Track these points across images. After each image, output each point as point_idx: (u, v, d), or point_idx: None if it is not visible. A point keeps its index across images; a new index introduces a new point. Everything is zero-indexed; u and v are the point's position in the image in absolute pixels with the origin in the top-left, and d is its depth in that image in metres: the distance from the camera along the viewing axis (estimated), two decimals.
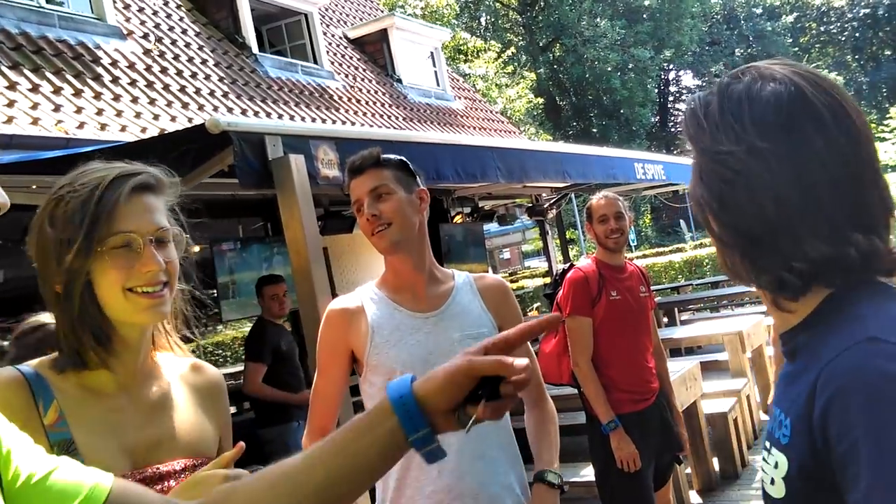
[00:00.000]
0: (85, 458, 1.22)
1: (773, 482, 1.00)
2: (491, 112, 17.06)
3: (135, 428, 1.38)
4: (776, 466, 0.99)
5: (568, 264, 4.01)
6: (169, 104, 8.15)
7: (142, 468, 1.35)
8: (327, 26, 13.84)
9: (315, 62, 11.95)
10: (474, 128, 14.68)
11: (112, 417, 1.36)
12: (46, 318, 2.52)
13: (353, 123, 11.06)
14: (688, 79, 48.64)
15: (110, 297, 1.32)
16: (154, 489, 1.31)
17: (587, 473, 4.71)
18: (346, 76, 12.58)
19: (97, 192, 1.32)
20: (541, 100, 29.25)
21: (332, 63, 12.52)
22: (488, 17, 38.34)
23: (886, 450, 0.82)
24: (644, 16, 38.91)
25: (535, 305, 18.18)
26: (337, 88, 11.84)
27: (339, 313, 2.15)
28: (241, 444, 1.36)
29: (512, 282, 21.77)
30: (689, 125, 1.09)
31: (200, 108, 8.56)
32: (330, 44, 13.15)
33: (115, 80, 7.79)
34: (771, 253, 0.98)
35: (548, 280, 12.22)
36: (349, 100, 11.81)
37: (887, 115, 29.56)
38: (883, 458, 0.81)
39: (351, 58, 13.52)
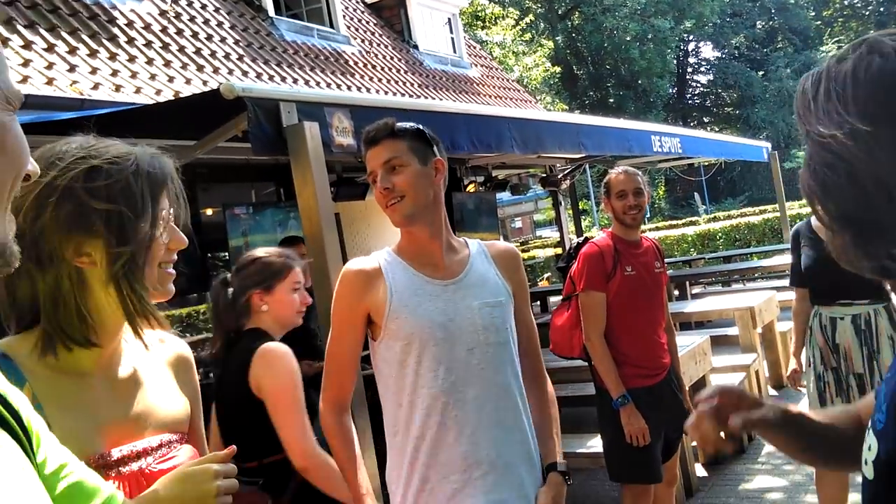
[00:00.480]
0: (60, 440, 1.18)
1: (866, 463, 1.00)
2: (507, 80, 16.93)
3: (109, 406, 1.34)
4: (869, 449, 0.99)
5: (583, 238, 3.98)
6: (184, 66, 8.11)
7: (118, 446, 1.33)
8: None
9: (331, 26, 11.86)
10: (490, 96, 14.58)
11: (85, 396, 1.32)
12: (260, 252, 2.78)
13: (368, 90, 11.00)
14: (707, 50, 48.15)
15: (148, 274, 1.33)
16: (132, 467, 1.32)
17: (593, 445, 4.73)
18: (363, 41, 12.49)
19: (150, 168, 1.33)
20: (558, 69, 28.93)
21: (349, 28, 12.43)
22: None
23: None
24: None
25: (545, 275, 18.17)
26: (353, 54, 11.77)
27: (357, 274, 2.12)
28: (233, 447, 1.35)
29: (523, 251, 21.74)
30: (799, 105, 1.04)
31: (215, 70, 8.52)
32: (346, 8, 13.04)
33: (131, 41, 7.75)
34: (876, 239, 0.94)
35: (559, 251, 12.21)
36: (365, 65, 11.74)
37: None
38: None
39: (367, 23, 13.42)
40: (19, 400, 0.88)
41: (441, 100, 12.12)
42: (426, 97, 12.00)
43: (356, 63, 11.59)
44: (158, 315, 1.35)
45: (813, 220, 4.01)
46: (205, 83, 8.04)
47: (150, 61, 7.66)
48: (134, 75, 7.15)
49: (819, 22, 44.87)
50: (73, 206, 1.26)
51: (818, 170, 0.98)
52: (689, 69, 47.94)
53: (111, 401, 1.35)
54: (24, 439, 0.85)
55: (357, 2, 13.94)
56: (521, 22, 26.78)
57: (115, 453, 1.31)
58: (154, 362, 1.48)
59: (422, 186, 2.10)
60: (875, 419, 0.99)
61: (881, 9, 44.45)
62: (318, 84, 9.99)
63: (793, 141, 37.16)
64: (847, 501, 3.92)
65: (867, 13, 45.22)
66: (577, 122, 6.54)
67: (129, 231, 1.29)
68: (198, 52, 8.60)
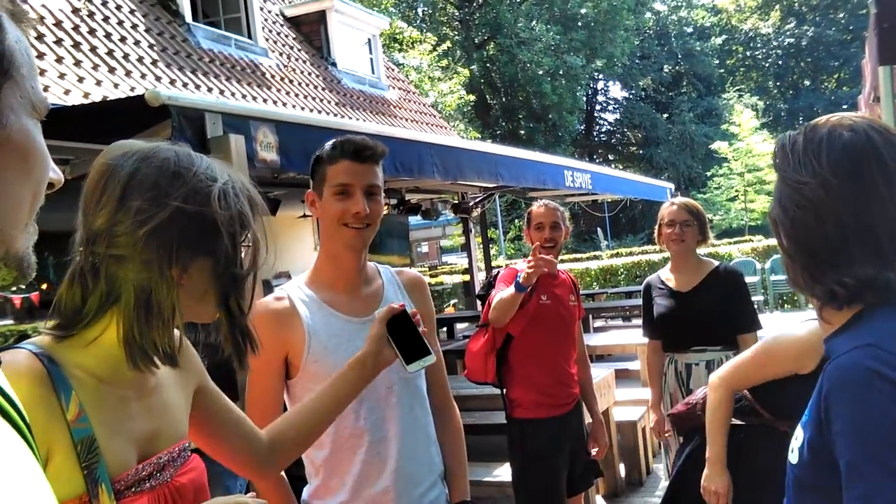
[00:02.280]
0: (104, 453, 1.17)
1: (792, 451, 1.25)
2: (423, 105, 17.04)
3: (140, 420, 1.30)
4: (796, 439, 1.24)
5: (504, 266, 4.03)
6: (95, 67, 7.86)
7: (146, 459, 1.29)
8: (264, 1, 13.57)
9: (249, 37, 11.72)
10: (406, 119, 14.63)
11: (121, 409, 1.27)
12: None
13: (284, 104, 10.88)
14: (616, 90, 49.63)
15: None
16: (158, 480, 1.29)
17: (500, 473, 4.76)
18: (281, 55, 12.37)
19: (248, 191, 1.34)
20: (472, 97, 29.33)
21: (267, 40, 12.30)
22: (426, 9, 38.27)
23: (863, 432, 1.07)
24: (579, 24, 39.46)
25: (452, 302, 18.25)
26: (270, 66, 11.63)
27: (272, 316, 2.01)
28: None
29: (431, 276, 21.77)
30: (777, 156, 1.31)
31: (128, 73, 8.29)
32: (266, 20, 12.91)
33: (41, 37, 7.46)
34: (828, 268, 1.20)
35: (467, 278, 12.29)
36: (282, 79, 11.62)
37: None
38: (860, 439, 1.07)
39: (287, 36, 13.31)
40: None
41: (359, 119, 12.09)
42: (343, 116, 11.96)
43: (273, 76, 11.46)
44: (253, 334, 1.37)
45: (662, 272, 4.17)
46: (116, 86, 7.80)
47: (59, 59, 7.39)
48: (42, 73, 6.87)
49: (722, 70, 46.96)
50: (199, 224, 1.23)
51: (789, 207, 1.25)
52: (598, 107, 49.33)
53: (141, 414, 1.31)
54: (31, 440, 0.81)
55: (277, 14, 13.81)
56: (438, 48, 27.06)
57: (146, 468, 1.27)
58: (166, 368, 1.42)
59: (380, 220, 2.08)
60: (804, 415, 1.24)
61: (779, 62, 46.91)
62: (233, 95, 9.83)
63: (692, 182, 38.66)
64: None
65: (767, 65, 47.63)
66: (496, 152, 6.63)
67: (240, 252, 1.29)
68: (110, 53, 8.34)
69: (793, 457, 1.25)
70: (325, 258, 2.11)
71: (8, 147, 0.73)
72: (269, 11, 13.53)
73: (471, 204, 11.01)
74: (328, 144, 2.06)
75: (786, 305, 16.75)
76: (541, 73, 36.07)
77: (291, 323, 2.01)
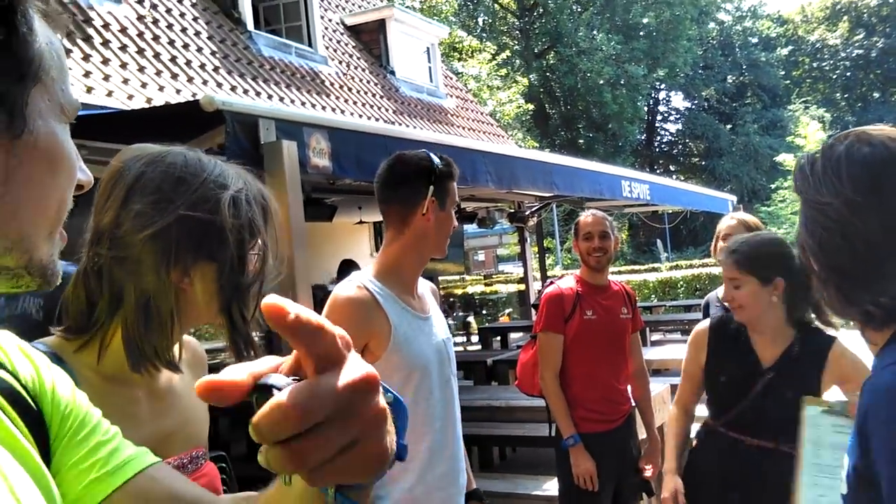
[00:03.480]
0: None
1: (843, 480, 1.19)
2: (481, 113, 17.03)
3: (151, 420, 1.30)
4: (843, 467, 1.19)
5: (555, 278, 3.98)
6: (158, 73, 8.01)
7: None
8: (325, 10, 13.72)
9: (309, 45, 11.84)
10: (463, 128, 14.63)
11: (130, 409, 1.28)
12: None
13: (342, 111, 10.97)
14: (678, 100, 49.00)
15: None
16: None
17: (548, 488, 4.69)
18: (340, 62, 12.48)
19: (261, 198, 1.33)
20: (530, 106, 29.22)
21: (327, 48, 12.41)
22: (486, 18, 38.28)
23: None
24: (641, 33, 39.03)
25: (506, 311, 18.16)
26: (329, 74, 11.74)
27: (359, 305, 2.12)
28: None
29: (486, 285, 21.72)
30: (797, 178, 1.28)
31: (190, 80, 8.43)
32: (326, 28, 13.04)
33: (106, 43, 7.64)
34: (861, 289, 1.17)
35: (522, 287, 12.22)
36: (341, 87, 11.72)
37: None
38: (893, 459, 1.03)
39: (346, 45, 13.42)
40: (58, 377, 0.84)
41: (415, 128, 12.13)
42: (400, 124, 12.01)
43: (332, 84, 11.56)
44: (256, 343, 1.34)
45: (719, 290, 4.06)
46: (178, 92, 7.94)
47: (123, 65, 7.55)
48: (107, 78, 7.03)
49: (788, 81, 45.98)
50: (203, 230, 1.23)
51: (815, 230, 1.21)
52: (659, 117, 48.74)
53: (154, 415, 1.31)
54: (47, 422, 0.80)
55: (337, 23, 13.95)
56: (497, 57, 27.04)
57: None
58: (183, 369, 1.42)
59: None
60: (849, 442, 1.19)
61: (848, 73, 45.76)
62: (292, 102, 9.94)
63: (756, 195, 37.86)
64: None
65: (834, 76, 46.51)
66: (550, 161, 6.56)
67: (246, 261, 1.29)
68: (173, 59, 8.50)
69: (843, 487, 1.19)
70: (415, 259, 2.26)
71: (35, 151, 0.71)
72: (330, 20, 13.66)
73: (527, 213, 10.93)
74: (444, 161, 2.25)
75: (851, 324, 16.23)
76: (601, 82, 35.77)
77: (376, 313, 2.12)
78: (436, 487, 2.18)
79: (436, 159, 2.23)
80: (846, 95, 46.57)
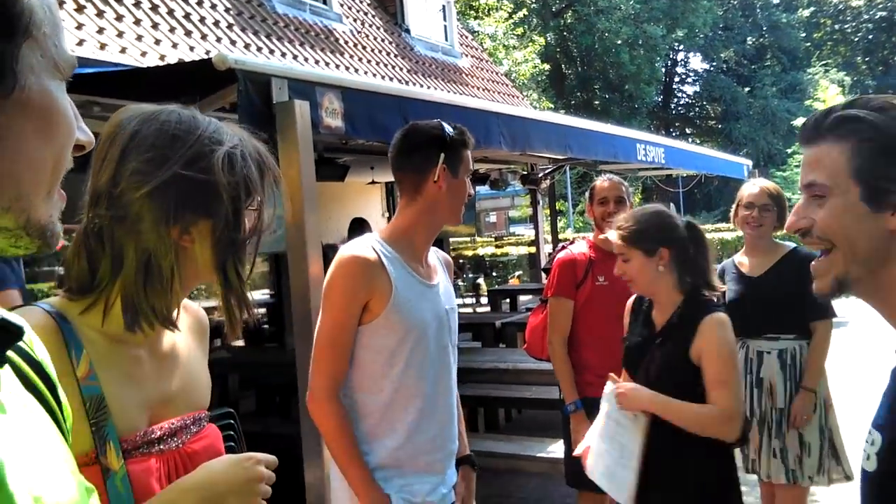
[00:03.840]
0: (112, 413, 1.19)
1: (868, 457, 1.10)
2: (496, 73, 16.87)
3: (153, 381, 1.32)
4: (872, 443, 1.09)
5: (567, 242, 3.98)
6: (172, 30, 7.97)
7: (157, 423, 1.31)
8: None
9: (324, 3, 11.72)
10: (478, 88, 14.51)
11: (134, 370, 1.29)
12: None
13: (356, 70, 10.89)
14: (696, 62, 48.33)
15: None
16: (170, 445, 1.30)
17: (553, 450, 4.75)
18: (355, 20, 12.36)
19: (258, 154, 1.33)
20: (547, 66, 28.91)
21: (342, 5, 12.28)
22: None
23: None
24: None
25: (516, 273, 18.18)
26: (343, 32, 11.64)
27: (363, 263, 2.17)
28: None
29: (497, 247, 21.72)
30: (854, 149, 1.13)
31: (203, 37, 8.38)
32: None
33: None
34: None
35: (533, 249, 12.22)
36: (355, 45, 11.62)
37: None
38: None
39: (361, 2, 13.27)
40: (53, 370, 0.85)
41: (429, 87, 12.04)
42: (415, 83, 11.92)
43: (346, 42, 11.47)
44: (250, 301, 1.34)
45: (736, 256, 4.04)
46: (192, 49, 7.90)
47: (137, 21, 7.51)
48: (120, 34, 7.00)
49: (808, 44, 45.22)
50: (198, 187, 1.23)
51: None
52: (677, 79, 48.13)
53: (156, 376, 1.33)
54: (57, 412, 0.82)
55: None
56: (514, 16, 26.70)
57: (156, 431, 1.29)
58: (185, 333, 1.44)
59: None
60: (875, 418, 1.11)
61: (870, 36, 44.96)
62: (306, 60, 9.88)
63: (772, 160, 37.50)
64: None
65: (856, 39, 45.71)
66: (565, 123, 6.51)
67: (242, 217, 1.28)
68: (187, 16, 8.45)
69: (869, 464, 1.11)
70: (426, 225, 2.30)
71: (28, 109, 0.69)
72: None
73: (540, 175, 10.89)
74: (457, 130, 2.27)
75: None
76: (619, 42, 35.31)
77: (380, 272, 2.17)
78: (422, 451, 2.23)
79: (448, 128, 2.25)
80: (867, 59, 45.78)
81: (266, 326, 9.78)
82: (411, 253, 2.28)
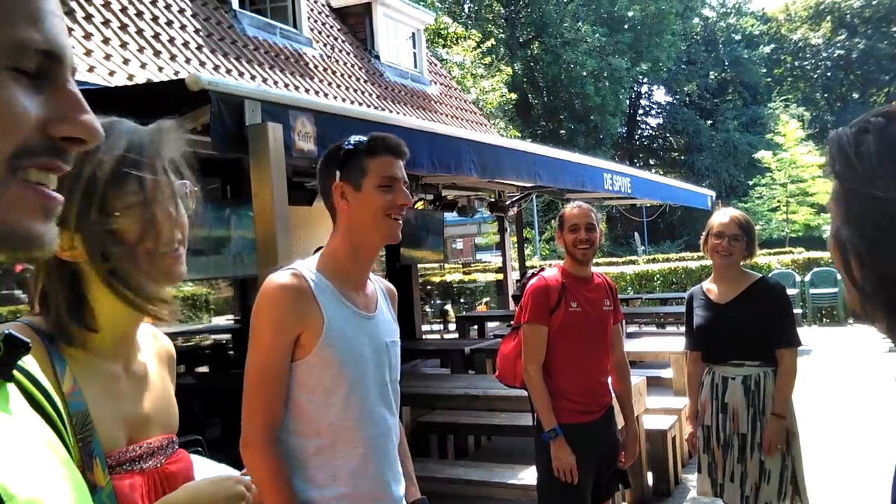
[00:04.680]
0: (97, 429, 1.19)
1: None
2: (464, 101, 16.99)
3: (130, 400, 1.31)
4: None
5: (537, 269, 3.98)
6: (141, 50, 7.91)
7: (135, 443, 1.30)
8: None
9: (294, 26, 11.74)
10: (447, 115, 14.59)
11: (112, 386, 1.28)
12: None
13: (326, 95, 10.89)
14: (660, 94, 49.13)
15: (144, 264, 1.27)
16: (150, 464, 1.30)
17: (525, 476, 4.71)
18: (325, 45, 12.39)
19: (134, 147, 1.26)
20: (514, 95, 29.20)
21: (312, 30, 12.32)
22: (472, 5, 38.16)
23: None
24: (626, 26, 39.13)
25: (483, 300, 18.19)
26: (314, 56, 11.66)
27: (292, 292, 1.99)
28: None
29: (465, 274, 21.74)
30: (836, 161, 1.02)
31: (173, 58, 8.34)
32: (311, 10, 12.93)
33: (89, 17, 7.53)
34: None
35: (500, 276, 12.26)
36: (325, 69, 11.64)
37: None
38: None
39: (331, 27, 13.32)
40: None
41: (399, 113, 12.07)
42: (384, 109, 11.95)
43: (316, 66, 11.48)
44: (161, 307, 1.26)
45: (705, 283, 4.09)
46: (160, 69, 7.85)
47: (106, 40, 7.45)
48: (88, 53, 6.94)
49: (769, 79, 46.27)
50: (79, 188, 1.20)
51: (866, 229, 0.96)
52: (641, 111, 48.91)
53: (132, 395, 1.31)
54: (60, 427, 0.80)
55: (322, 5, 13.83)
56: (482, 45, 26.96)
57: (134, 450, 1.28)
58: (154, 358, 1.43)
59: None
60: (893, 490, 0.97)
61: (828, 73, 46.14)
62: (275, 83, 9.86)
63: (734, 191, 38.14)
64: None
65: (815, 76, 46.88)
66: (534, 151, 6.56)
67: (104, 223, 1.20)
68: (156, 36, 8.40)
69: None
70: (348, 250, 2.10)
71: None
72: (316, 1, 13.54)
73: (507, 203, 10.96)
74: (359, 138, 2.08)
75: (825, 319, 16.48)
76: (584, 74, 35.84)
77: (310, 304, 1.99)
78: (367, 498, 2.05)
79: (350, 141, 2.10)
80: (826, 95, 46.96)
81: (231, 353, 9.66)
82: (345, 281, 2.10)
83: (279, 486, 1.95)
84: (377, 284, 2.25)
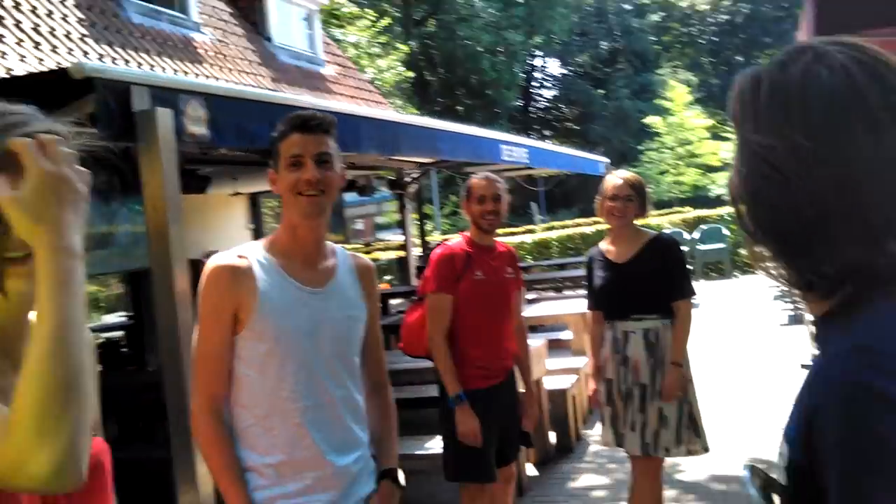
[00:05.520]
0: None
1: (780, 469, 0.98)
2: (361, 81, 16.92)
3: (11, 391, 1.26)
4: (781, 455, 0.97)
5: (441, 242, 4.07)
6: (19, 42, 7.63)
7: None
8: None
9: (182, 12, 11.46)
10: (344, 95, 14.52)
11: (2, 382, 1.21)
12: None
13: (217, 80, 10.70)
14: (554, 66, 49.84)
15: None
16: None
17: (431, 446, 4.82)
18: (215, 29, 12.13)
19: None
20: (410, 73, 29.16)
21: (201, 14, 12.04)
22: None
23: (852, 467, 0.82)
24: (519, 0, 39.47)
25: (385, 278, 18.24)
26: (203, 42, 11.42)
27: (228, 271, 2.11)
28: None
29: (366, 253, 21.62)
30: (735, 106, 1.00)
31: (54, 49, 8.06)
32: None
33: None
34: (802, 254, 0.93)
35: (402, 254, 12.32)
36: (216, 55, 11.42)
37: None
38: (847, 476, 0.82)
39: (221, 11, 13.04)
40: None
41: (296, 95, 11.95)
42: (279, 91, 11.81)
43: (207, 52, 11.26)
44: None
45: (602, 244, 4.28)
46: (41, 61, 7.59)
47: None
48: None
49: (659, 47, 47.48)
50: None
51: (752, 179, 0.96)
52: (536, 83, 49.51)
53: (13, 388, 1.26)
54: None
55: None
56: (377, 24, 26.80)
57: None
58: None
59: (337, 188, 2.21)
60: (788, 425, 0.97)
61: (714, 38, 47.64)
62: (164, 70, 9.64)
63: (625, 158, 39.08)
64: None
65: (703, 42, 48.34)
66: (433, 126, 6.65)
67: None
68: (35, 28, 8.10)
69: (780, 478, 0.98)
70: (285, 228, 2.22)
71: None
72: None
73: (407, 180, 11.03)
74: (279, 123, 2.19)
75: (712, 274, 17.28)
76: (480, 49, 36.04)
77: (245, 280, 2.10)
78: (306, 467, 2.13)
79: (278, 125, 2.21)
80: (712, 59, 48.50)
81: (125, 350, 9.40)
82: (291, 258, 2.19)
83: (221, 452, 2.09)
84: (344, 260, 2.31)
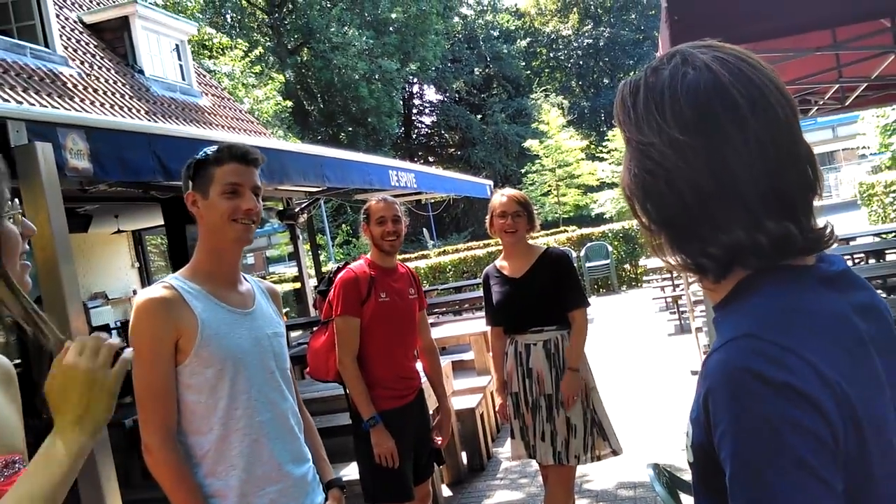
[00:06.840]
0: None
1: (685, 448, 1.06)
2: (239, 111, 16.64)
3: None
4: (687, 435, 1.05)
5: (342, 263, 4.04)
6: None
7: None
8: (60, 7, 12.79)
9: (46, 46, 10.99)
10: (223, 126, 14.23)
11: None
12: None
13: (90, 114, 10.29)
14: (431, 93, 50.49)
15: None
16: None
17: (347, 473, 4.75)
18: (82, 63, 11.70)
19: None
20: (289, 103, 28.91)
21: (66, 48, 11.59)
22: (233, 15, 37.30)
23: (741, 444, 0.89)
24: (391, 28, 39.82)
25: (283, 311, 17.93)
26: (71, 75, 10.98)
27: (162, 303, 2.11)
28: None
29: None
30: (617, 110, 1.11)
31: None
32: (63, 27, 12.17)
33: None
34: (691, 239, 1.02)
35: (298, 285, 12.13)
36: (85, 88, 10.99)
37: (605, 138, 32.63)
38: (738, 453, 0.89)
39: (87, 44, 12.59)
40: None
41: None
42: (156, 123, 11.46)
43: (75, 85, 10.82)
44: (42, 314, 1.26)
45: (497, 261, 4.37)
46: None
47: None
48: None
49: (529, 72, 48.90)
50: None
51: (639, 175, 1.06)
52: (415, 110, 50.01)
53: None
54: None
55: (75, 21, 13.05)
56: (249, 54, 26.47)
57: None
58: None
59: (260, 217, 2.29)
60: (692, 408, 1.03)
61: (580, 62, 49.45)
62: (33, 106, 9.19)
63: (508, 180, 39.99)
64: None
65: (569, 65, 50.08)
66: (320, 154, 6.58)
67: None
68: None
69: (688, 455, 1.06)
70: (207, 254, 2.25)
71: None
72: (67, 18, 12.75)
73: (297, 210, 10.87)
74: (210, 149, 2.22)
75: (601, 290, 17.78)
76: (356, 77, 36.13)
77: (181, 310, 2.12)
78: (266, 481, 2.17)
79: (206, 150, 2.23)
80: (580, 82, 50.32)
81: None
82: (216, 283, 2.23)
83: (182, 482, 2.08)
84: (254, 284, 2.40)
